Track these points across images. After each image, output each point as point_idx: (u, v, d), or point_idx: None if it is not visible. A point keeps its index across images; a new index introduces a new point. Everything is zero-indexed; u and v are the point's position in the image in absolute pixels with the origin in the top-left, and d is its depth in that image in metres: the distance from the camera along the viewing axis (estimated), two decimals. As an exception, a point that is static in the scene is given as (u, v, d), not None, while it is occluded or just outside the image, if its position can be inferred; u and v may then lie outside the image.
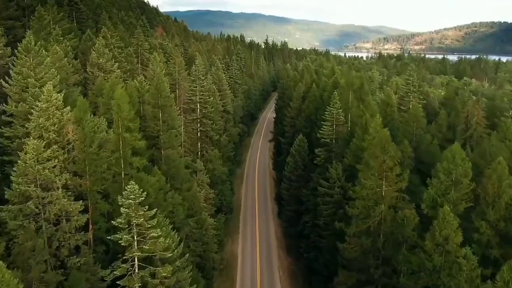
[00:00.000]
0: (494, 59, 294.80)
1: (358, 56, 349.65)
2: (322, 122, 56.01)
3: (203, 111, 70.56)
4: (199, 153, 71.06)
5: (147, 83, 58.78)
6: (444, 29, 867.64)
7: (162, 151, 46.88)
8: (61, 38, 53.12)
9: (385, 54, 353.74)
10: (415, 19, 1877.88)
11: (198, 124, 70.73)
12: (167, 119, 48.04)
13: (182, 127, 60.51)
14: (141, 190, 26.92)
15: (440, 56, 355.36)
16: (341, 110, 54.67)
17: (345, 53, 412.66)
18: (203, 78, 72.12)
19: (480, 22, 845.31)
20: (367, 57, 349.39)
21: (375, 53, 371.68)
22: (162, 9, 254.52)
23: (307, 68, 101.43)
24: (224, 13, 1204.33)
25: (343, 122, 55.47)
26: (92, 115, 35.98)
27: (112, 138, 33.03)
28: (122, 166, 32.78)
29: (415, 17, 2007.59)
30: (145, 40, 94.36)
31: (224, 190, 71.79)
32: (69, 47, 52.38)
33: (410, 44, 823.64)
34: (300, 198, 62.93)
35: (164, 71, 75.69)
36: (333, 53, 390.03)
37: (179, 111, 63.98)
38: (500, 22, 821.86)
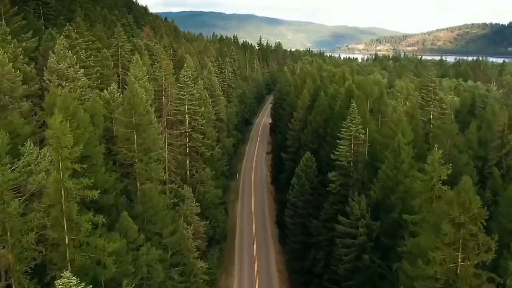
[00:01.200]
0: (493, 61, 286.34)
1: (353, 57, 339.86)
2: (338, 141, 45.37)
3: (193, 124, 59.73)
4: (188, 172, 60.21)
5: (121, 93, 48.08)
6: (436, 30, 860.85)
7: (138, 184, 36.06)
8: (9, 37, 41.90)
9: (381, 55, 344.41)
10: (408, 21, 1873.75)
11: (187, 139, 59.91)
12: (144, 142, 37.04)
13: (166, 145, 49.59)
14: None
15: (432, 57, 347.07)
16: (361, 127, 44.08)
17: (339, 54, 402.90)
18: (193, 84, 61.26)
19: (472, 24, 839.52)
20: (362, 58, 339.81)
21: (370, 54, 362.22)
22: (154, 10, 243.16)
23: (310, 72, 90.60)
24: (217, 14, 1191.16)
25: (363, 141, 44.90)
26: (32, 146, 25.19)
27: (50, 186, 22.22)
28: (65, 228, 21.96)
29: (407, 18, 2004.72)
30: (128, 41, 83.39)
31: (217, 215, 60.98)
32: (20, 49, 41.22)
33: (402, 45, 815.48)
34: (307, 228, 52.37)
35: (147, 76, 64.81)
36: (328, 54, 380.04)
37: (165, 124, 53.16)
38: (492, 23, 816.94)
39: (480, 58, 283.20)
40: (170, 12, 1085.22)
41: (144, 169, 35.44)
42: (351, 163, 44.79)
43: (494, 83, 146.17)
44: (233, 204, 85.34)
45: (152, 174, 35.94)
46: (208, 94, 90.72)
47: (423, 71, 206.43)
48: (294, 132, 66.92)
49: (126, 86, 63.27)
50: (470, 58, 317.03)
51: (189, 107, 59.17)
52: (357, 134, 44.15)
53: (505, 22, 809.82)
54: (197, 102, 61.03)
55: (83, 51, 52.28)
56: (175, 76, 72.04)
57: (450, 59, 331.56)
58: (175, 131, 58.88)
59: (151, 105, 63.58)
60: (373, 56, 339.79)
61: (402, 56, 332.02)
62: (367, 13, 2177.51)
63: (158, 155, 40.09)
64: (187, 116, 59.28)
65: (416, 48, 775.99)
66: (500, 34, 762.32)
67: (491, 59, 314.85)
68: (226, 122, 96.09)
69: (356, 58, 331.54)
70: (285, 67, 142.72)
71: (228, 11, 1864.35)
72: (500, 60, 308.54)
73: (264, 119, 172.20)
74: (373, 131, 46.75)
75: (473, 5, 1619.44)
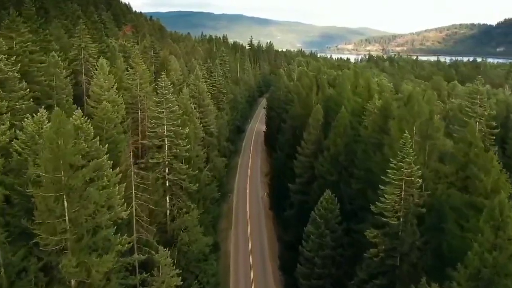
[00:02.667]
0: (491, 61, 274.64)
1: (345, 57, 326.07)
2: (382, 188, 30.86)
3: (174, 150, 44.88)
4: (168, 214, 45.40)
5: (83, 112, 33.33)
6: (425, 30, 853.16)
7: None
8: None
9: (375, 55, 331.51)
10: (396, 21, 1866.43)
11: (166, 170, 45.12)
12: (79, 216, 21.64)
13: (133, 189, 34.59)
14: None
15: (428, 58, 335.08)
16: (417, 168, 29.68)
17: (331, 55, 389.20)
18: (175, 96, 46.38)
19: (460, 24, 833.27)
20: (355, 59, 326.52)
21: (364, 55, 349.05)
22: (142, 10, 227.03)
23: (320, 79, 76.19)
24: (206, 14, 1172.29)
25: (418, 187, 30.50)
26: None
27: None
28: None
29: (396, 18, 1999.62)
30: (100, 41, 68.40)
31: (206, 269, 46.20)
32: None
33: (392, 45, 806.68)
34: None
35: (115, 85, 49.95)
36: (319, 55, 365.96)
37: (130, 157, 38.28)
38: (480, 24, 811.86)
39: (478, 59, 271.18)
40: (159, 12, 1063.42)
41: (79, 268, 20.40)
42: (400, 219, 30.37)
43: (507, 87, 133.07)
44: (226, 235, 70.56)
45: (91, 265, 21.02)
46: (196, 104, 76.06)
47: (425, 73, 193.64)
48: (304, 158, 52.22)
49: (88, 101, 48.45)
50: (465, 59, 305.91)
51: (169, 128, 44.35)
52: (411, 178, 29.74)
53: (493, 22, 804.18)
54: (179, 120, 46.12)
55: (14, 57, 37.10)
56: (155, 83, 57.51)
57: (441, 59, 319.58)
58: (151, 160, 44.06)
59: (122, 122, 48.95)
60: (366, 57, 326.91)
61: (396, 56, 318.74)
62: (356, 13, 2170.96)
63: (114, 216, 25.24)
64: (166, 140, 44.45)
65: (405, 48, 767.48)
66: (488, 34, 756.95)
67: (479, 59, 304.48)
68: (217, 136, 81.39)
69: (348, 59, 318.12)
70: (281, 70, 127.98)
71: (217, 11, 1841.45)
72: (496, 61, 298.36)
73: (257, 125, 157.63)
74: (431, 174, 32.40)
75: (461, 5, 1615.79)
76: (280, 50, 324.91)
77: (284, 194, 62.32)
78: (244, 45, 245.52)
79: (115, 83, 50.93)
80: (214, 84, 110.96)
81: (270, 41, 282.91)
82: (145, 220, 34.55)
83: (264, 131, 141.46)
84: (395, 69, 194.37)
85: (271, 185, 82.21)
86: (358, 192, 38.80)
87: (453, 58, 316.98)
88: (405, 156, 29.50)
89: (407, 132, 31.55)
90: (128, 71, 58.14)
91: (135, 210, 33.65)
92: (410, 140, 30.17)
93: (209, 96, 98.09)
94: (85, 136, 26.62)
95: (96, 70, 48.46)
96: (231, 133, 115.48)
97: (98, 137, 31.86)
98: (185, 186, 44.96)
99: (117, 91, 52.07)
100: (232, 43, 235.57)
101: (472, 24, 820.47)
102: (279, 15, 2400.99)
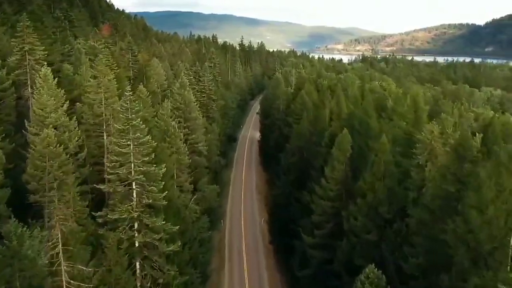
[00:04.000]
0: (492, 62, 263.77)
1: (339, 58, 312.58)
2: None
3: (144, 200, 31.05)
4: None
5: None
6: (414, 30, 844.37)
7: None
8: None
9: (368, 56, 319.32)
10: (385, 21, 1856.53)
11: (136, 225, 31.37)
12: None
13: None
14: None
15: (423, 59, 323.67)
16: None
17: (322, 55, 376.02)
18: (143, 125, 32.30)
19: (449, 24, 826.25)
20: (349, 59, 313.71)
21: (358, 55, 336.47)
22: (131, 10, 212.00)
23: (336, 90, 62.49)
24: (195, 14, 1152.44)
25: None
26: None
27: None
28: None
29: (385, 19, 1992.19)
30: (64, 42, 54.43)
31: None
32: None
33: (381, 45, 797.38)
34: None
35: (63, 104, 36.19)
36: (311, 55, 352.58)
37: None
38: (468, 24, 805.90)
39: (476, 60, 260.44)
40: (147, 12, 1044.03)
41: None
42: None
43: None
44: (217, 279, 57.01)
45: None
46: (181, 118, 62.39)
47: (425, 75, 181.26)
48: (327, 202, 38.31)
49: (29, 125, 34.58)
50: (456, 59, 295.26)
51: (138, 168, 30.53)
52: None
53: (481, 22, 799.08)
54: (154, 154, 32.26)
55: None
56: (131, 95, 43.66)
57: (431, 59, 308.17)
58: (112, 215, 30.35)
59: (76, 154, 35.24)
60: (360, 57, 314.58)
61: (390, 57, 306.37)
62: (345, 13, 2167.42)
63: None
64: (134, 186, 30.66)
65: (394, 48, 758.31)
66: (477, 34, 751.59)
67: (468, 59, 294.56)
68: (207, 154, 67.64)
69: (341, 59, 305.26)
70: (278, 73, 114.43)
71: (206, 11, 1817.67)
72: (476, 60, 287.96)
73: (250, 132, 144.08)
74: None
75: (449, 5, 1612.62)
76: (271, 50, 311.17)
77: (290, 233, 48.98)
78: (234, 45, 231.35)
79: (67, 100, 37.05)
80: (203, 90, 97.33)
81: (262, 41, 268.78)
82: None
83: (258, 140, 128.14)
84: (396, 71, 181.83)
85: (269, 212, 68.82)
86: (419, 268, 25.46)
87: (449, 58, 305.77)
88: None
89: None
90: (90, 81, 44.02)
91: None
92: None
93: (197, 105, 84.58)
94: None
95: (36, 83, 34.63)
96: (222, 144, 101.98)
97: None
98: (162, 250, 31.18)
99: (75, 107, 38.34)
100: (222, 43, 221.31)
101: (461, 24, 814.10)
102: (268, 15, 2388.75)
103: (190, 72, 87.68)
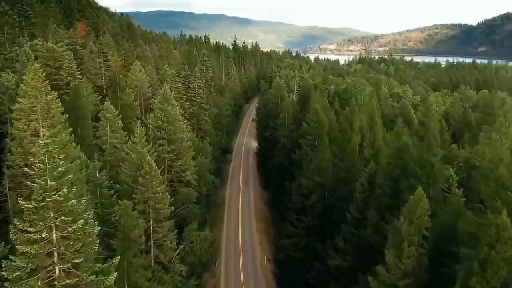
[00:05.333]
0: (497, 62, 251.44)
1: (337, 59, 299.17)
2: None
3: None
4: None
5: None
6: (407, 30, 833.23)
7: None
8: None
9: (365, 56, 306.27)
10: (377, 21, 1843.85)
11: None
12: None
13: None
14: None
15: (423, 60, 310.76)
16: None
17: (317, 55, 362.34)
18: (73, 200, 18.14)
19: (442, 24, 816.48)
20: (345, 60, 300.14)
21: (356, 56, 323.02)
22: (122, 10, 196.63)
23: (368, 106, 48.41)
24: (187, 14, 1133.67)
25: None
26: None
27: None
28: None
29: (377, 19, 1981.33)
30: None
31: None
32: None
33: (374, 45, 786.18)
34: None
35: None
36: (307, 55, 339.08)
37: None
38: (461, 24, 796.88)
39: (478, 61, 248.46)
40: (139, 12, 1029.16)
41: None
42: None
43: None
44: None
45: None
46: (164, 140, 48.49)
47: (432, 77, 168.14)
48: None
49: None
50: (461, 59, 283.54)
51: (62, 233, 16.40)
52: None
53: (473, 23, 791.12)
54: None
55: None
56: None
57: (429, 59, 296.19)
58: None
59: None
60: (357, 58, 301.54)
61: (388, 57, 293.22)
62: (337, 13, 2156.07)
63: None
64: (56, 255, 16.52)
65: (387, 48, 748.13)
66: (469, 34, 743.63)
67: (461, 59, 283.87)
68: (197, 184, 53.66)
69: (338, 60, 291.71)
70: (278, 78, 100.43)
71: (198, 11, 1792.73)
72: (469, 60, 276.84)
73: (245, 140, 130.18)
74: None
75: (441, 5, 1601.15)
76: (265, 50, 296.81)
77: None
78: (227, 45, 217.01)
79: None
80: (193, 99, 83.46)
81: (256, 42, 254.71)
82: None
83: (255, 152, 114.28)
84: (399, 73, 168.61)
85: (276, 260, 55.08)
86: None
87: (449, 59, 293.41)
88: None
89: None
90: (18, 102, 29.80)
91: None
92: None
93: (187, 115, 70.72)
94: None
95: None
96: (215, 159, 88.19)
97: None
98: None
99: None
100: (215, 43, 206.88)
101: (453, 24, 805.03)
102: (260, 15, 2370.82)
103: (177, 79, 73.46)
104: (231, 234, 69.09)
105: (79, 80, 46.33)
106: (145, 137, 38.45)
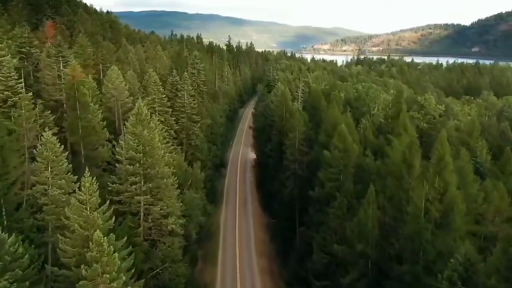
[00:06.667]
0: (507, 63, 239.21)
1: (335, 60, 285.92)
2: None
3: None
4: None
5: None
6: (400, 30, 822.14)
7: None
8: None
9: (362, 57, 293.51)
10: (370, 21, 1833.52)
11: None
12: None
13: None
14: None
15: (423, 60, 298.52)
16: None
17: (313, 56, 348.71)
18: None
19: (435, 24, 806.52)
20: (343, 61, 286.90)
21: (353, 56, 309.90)
22: (115, 10, 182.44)
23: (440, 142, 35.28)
24: (180, 14, 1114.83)
25: None
26: None
27: None
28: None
29: (370, 18, 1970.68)
30: None
31: None
32: None
33: (368, 45, 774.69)
34: None
35: None
36: (301, 55, 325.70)
37: None
38: (454, 24, 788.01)
39: (480, 61, 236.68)
40: (131, 12, 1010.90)
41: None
42: None
43: None
44: None
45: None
46: (139, 175, 35.11)
47: (440, 80, 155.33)
48: None
49: None
50: (459, 60, 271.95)
51: None
52: None
53: (466, 23, 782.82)
54: None
55: None
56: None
57: (419, 59, 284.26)
58: None
59: None
60: (355, 58, 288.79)
61: (388, 58, 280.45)
62: (330, 13, 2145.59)
63: None
64: None
65: (381, 48, 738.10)
66: (463, 34, 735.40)
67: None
68: (185, 230, 40.19)
69: (336, 61, 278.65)
70: (279, 83, 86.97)
71: (191, 10, 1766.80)
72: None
73: (241, 150, 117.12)
74: None
75: (434, 5, 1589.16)
76: (260, 51, 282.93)
77: None
78: (221, 46, 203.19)
79: None
80: (182, 109, 70.07)
81: (251, 42, 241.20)
82: None
83: (253, 165, 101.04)
84: (407, 76, 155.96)
85: None
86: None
87: (449, 59, 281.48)
88: None
89: None
90: None
91: None
92: None
93: (172, 135, 57.35)
94: None
95: None
96: (208, 178, 75.13)
97: None
98: None
99: None
100: (208, 43, 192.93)
101: (446, 24, 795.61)
102: (253, 15, 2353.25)
103: (160, 89, 59.93)
104: (227, 279, 55.76)
105: (21, 96, 32.89)
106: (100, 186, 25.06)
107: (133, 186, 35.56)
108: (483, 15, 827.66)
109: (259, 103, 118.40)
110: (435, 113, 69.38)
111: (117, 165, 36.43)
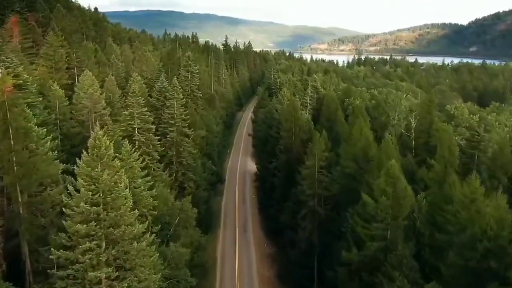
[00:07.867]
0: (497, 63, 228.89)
1: (335, 59, 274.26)
2: None
3: None
4: None
5: None
6: (398, 30, 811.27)
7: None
8: None
9: (363, 57, 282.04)
10: (367, 21, 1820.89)
11: None
12: None
13: None
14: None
15: (427, 60, 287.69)
16: None
17: (311, 56, 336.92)
18: None
19: (432, 24, 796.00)
20: (344, 61, 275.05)
21: (354, 56, 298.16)
22: (111, 9, 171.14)
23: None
24: (177, 13, 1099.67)
25: None
26: None
27: None
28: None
29: (367, 18, 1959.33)
30: None
31: None
32: None
33: (365, 45, 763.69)
34: None
35: None
36: (300, 55, 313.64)
37: None
38: (451, 23, 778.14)
39: (486, 61, 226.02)
40: (127, 12, 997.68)
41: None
42: None
43: None
44: None
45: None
46: (99, 238, 22.80)
47: (454, 82, 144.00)
48: None
49: None
50: (465, 60, 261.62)
51: None
52: None
53: (464, 22, 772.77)
54: None
55: None
56: None
57: (419, 59, 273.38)
58: None
59: None
60: (356, 58, 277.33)
61: (390, 58, 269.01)
62: (327, 13, 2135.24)
63: None
64: None
65: (378, 48, 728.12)
66: (460, 34, 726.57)
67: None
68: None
69: (336, 61, 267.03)
70: (284, 89, 74.88)
71: (187, 10, 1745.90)
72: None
73: (240, 160, 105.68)
74: None
75: (432, 5, 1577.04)
76: (257, 51, 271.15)
77: None
78: (217, 45, 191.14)
79: None
80: (171, 122, 58.13)
81: (249, 41, 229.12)
82: None
83: (253, 179, 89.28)
84: (414, 76, 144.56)
85: None
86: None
87: (454, 59, 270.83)
88: None
89: None
90: None
91: None
92: None
93: (156, 158, 45.52)
94: None
95: None
96: (202, 202, 63.44)
97: None
98: None
99: None
100: (204, 43, 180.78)
101: (444, 24, 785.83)
102: (250, 15, 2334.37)
103: (143, 100, 47.89)
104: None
105: None
106: None
107: (86, 256, 23.62)
108: (480, 15, 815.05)
109: (259, 109, 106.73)
110: (475, 124, 57.42)
111: (64, 222, 24.51)
